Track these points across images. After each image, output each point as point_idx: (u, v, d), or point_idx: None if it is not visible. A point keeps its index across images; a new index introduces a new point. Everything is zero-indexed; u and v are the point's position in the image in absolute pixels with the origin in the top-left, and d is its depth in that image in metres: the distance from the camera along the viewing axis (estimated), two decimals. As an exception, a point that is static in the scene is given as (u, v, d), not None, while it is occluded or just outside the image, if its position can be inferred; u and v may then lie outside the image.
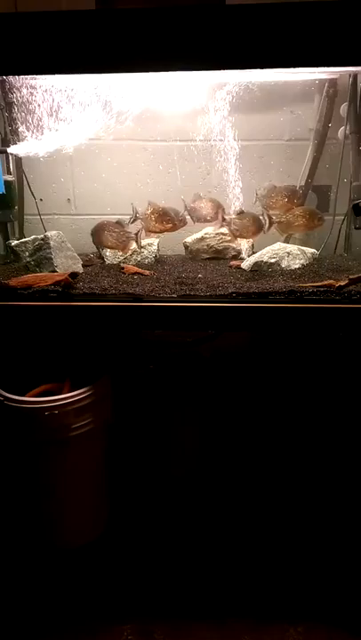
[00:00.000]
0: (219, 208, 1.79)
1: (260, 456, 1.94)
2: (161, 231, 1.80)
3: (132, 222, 1.78)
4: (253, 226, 1.73)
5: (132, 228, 1.77)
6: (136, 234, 1.75)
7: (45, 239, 1.60)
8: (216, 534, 1.74)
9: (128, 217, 1.80)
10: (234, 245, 1.89)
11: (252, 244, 1.88)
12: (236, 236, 1.79)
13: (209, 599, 1.52)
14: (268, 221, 1.72)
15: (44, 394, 1.56)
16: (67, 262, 1.62)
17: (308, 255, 1.71)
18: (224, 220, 1.77)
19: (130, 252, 1.81)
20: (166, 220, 1.76)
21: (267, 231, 1.74)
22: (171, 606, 1.50)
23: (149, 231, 1.79)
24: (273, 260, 1.63)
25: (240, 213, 1.75)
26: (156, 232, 1.80)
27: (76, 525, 1.64)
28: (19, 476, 1.57)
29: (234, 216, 1.76)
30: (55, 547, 1.63)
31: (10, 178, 1.84)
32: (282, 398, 1.91)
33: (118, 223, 1.78)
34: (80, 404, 1.50)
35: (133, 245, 1.79)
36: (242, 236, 1.79)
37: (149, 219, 1.76)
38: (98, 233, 1.80)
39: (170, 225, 1.77)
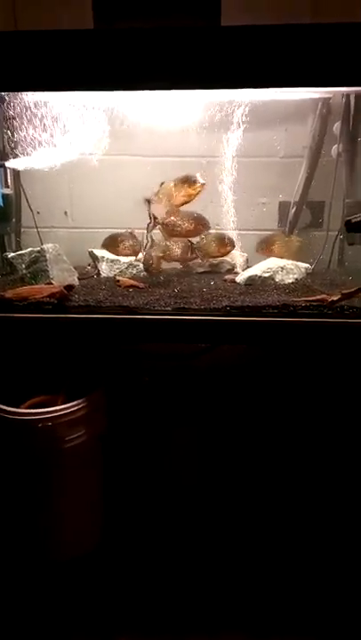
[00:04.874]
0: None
1: (257, 468, 1.94)
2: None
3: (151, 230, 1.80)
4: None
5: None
6: None
7: (42, 252, 1.61)
8: (211, 547, 1.73)
9: (124, 230, 1.82)
10: (229, 259, 1.91)
11: (247, 259, 1.90)
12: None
13: (202, 613, 1.51)
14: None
15: (38, 406, 1.56)
16: (62, 275, 1.63)
17: (302, 270, 1.73)
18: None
19: (126, 265, 1.83)
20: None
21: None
22: (163, 620, 1.49)
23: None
24: (267, 275, 1.65)
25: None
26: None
27: (71, 537, 1.63)
28: (12, 487, 1.56)
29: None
30: (49, 558, 1.62)
31: (8, 191, 1.86)
32: (278, 411, 1.92)
33: None
34: (74, 415, 1.50)
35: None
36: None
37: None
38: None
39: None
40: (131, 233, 1.81)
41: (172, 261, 1.87)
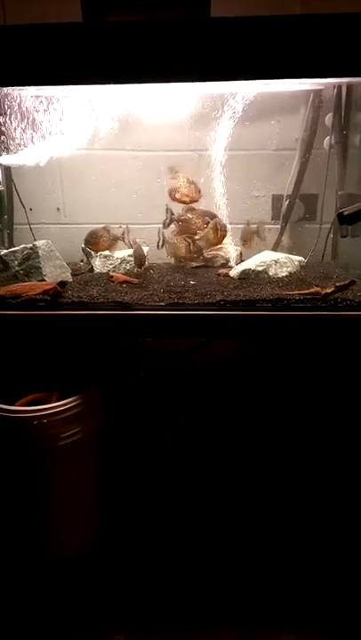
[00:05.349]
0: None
1: (251, 464, 1.94)
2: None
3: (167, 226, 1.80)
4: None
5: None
6: None
7: (34, 248, 1.60)
8: (207, 543, 1.74)
9: (117, 225, 1.82)
10: (222, 254, 1.90)
11: (241, 253, 1.89)
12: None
13: (200, 609, 1.51)
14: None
15: (32, 403, 1.55)
16: (55, 271, 1.62)
17: (296, 263, 1.72)
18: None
19: (119, 261, 1.82)
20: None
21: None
22: (162, 616, 1.49)
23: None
24: (261, 268, 1.65)
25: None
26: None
27: (67, 535, 1.63)
28: (7, 486, 1.56)
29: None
30: (45, 556, 1.62)
31: (-1, 187, 1.85)
32: (273, 404, 1.92)
33: None
34: (69, 413, 1.50)
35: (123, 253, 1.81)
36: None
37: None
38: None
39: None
40: (104, 228, 1.80)
41: (182, 258, 1.88)
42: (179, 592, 1.56)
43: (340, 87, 1.71)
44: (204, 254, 1.89)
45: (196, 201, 1.81)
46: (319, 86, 1.72)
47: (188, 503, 1.88)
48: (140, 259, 1.73)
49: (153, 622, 1.47)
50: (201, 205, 1.83)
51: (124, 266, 1.82)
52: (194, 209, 1.81)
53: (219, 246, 1.89)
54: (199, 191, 1.81)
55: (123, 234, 1.79)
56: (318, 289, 1.40)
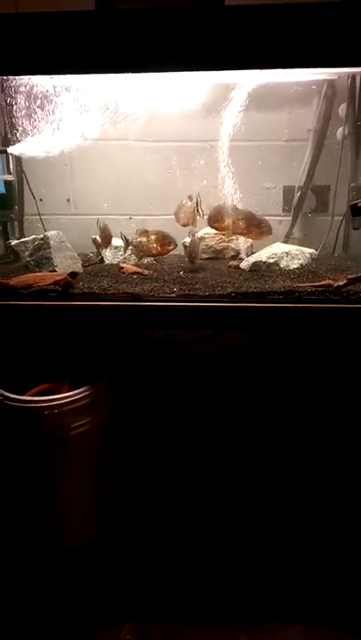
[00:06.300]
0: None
1: (257, 456, 1.94)
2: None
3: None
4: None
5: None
6: None
7: (45, 239, 1.60)
8: (213, 534, 1.74)
9: (126, 217, 1.81)
10: (233, 245, 1.90)
11: (251, 245, 1.88)
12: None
13: (206, 599, 1.52)
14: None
15: (43, 393, 1.56)
16: (66, 262, 1.62)
17: (307, 255, 1.71)
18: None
19: (128, 252, 1.82)
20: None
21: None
22: (168, 606, 1.50)
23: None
24: (272, 261, 1.64)
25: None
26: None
27: (74, 524, 1.64)
28: (17, 475, 1.57)
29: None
30: (52, 545, 1.63)
31: (10, 178, 1.85)
32: (279, 398, 1.92)
33: None
34: (79, 403, 1.50)
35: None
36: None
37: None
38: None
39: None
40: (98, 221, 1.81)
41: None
42: (184, 582, 1.57)
43: (354, 77, 1.69)
44: (214, 247, 1.89)
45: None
46: (333, 76, 1.70)
47: (193, 493, 1.88)
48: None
49: (159, 612, 1.48)
50: (211, 196, 1.82)
51: (134, 257, 1.82)
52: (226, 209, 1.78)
53: (229, 238, 1.88)
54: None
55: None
56: (330, 281, 1.39)
